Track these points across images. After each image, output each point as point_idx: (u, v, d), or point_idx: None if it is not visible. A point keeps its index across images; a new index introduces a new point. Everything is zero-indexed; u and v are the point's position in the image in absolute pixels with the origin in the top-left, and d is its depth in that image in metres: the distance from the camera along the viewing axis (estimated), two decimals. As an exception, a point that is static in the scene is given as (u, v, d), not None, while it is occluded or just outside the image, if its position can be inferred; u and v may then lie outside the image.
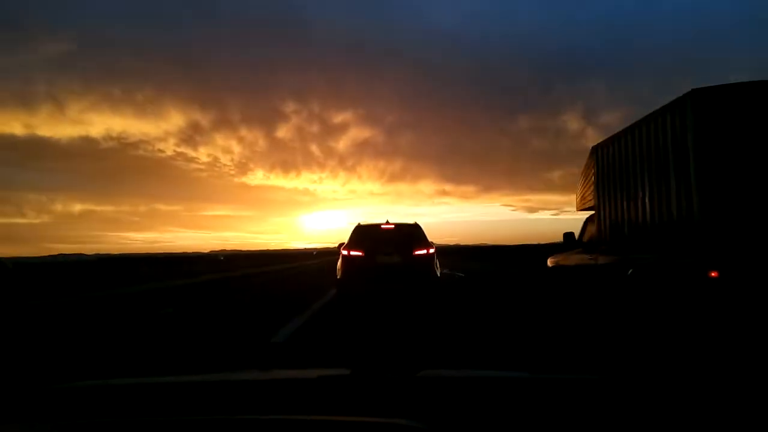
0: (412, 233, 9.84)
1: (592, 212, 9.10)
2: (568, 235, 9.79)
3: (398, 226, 10.08)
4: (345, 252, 9.61)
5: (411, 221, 10.41)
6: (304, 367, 2.98)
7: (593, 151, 8.78)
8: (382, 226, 10.02)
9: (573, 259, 9.70)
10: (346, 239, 9.95)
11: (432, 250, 9.62)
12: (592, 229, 8.97)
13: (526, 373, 1.77)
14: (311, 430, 1.01)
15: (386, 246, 9.52)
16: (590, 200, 9.18)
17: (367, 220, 10.45)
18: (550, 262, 11.17)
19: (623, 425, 1.12)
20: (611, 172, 8.03)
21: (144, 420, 1.11)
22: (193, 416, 1.14)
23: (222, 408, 1.23)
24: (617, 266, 7.49)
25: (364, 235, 9.81)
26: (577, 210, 10.77)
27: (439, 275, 9.78)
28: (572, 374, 1.89)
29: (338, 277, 9.74)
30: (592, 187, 8.97)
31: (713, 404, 1.19)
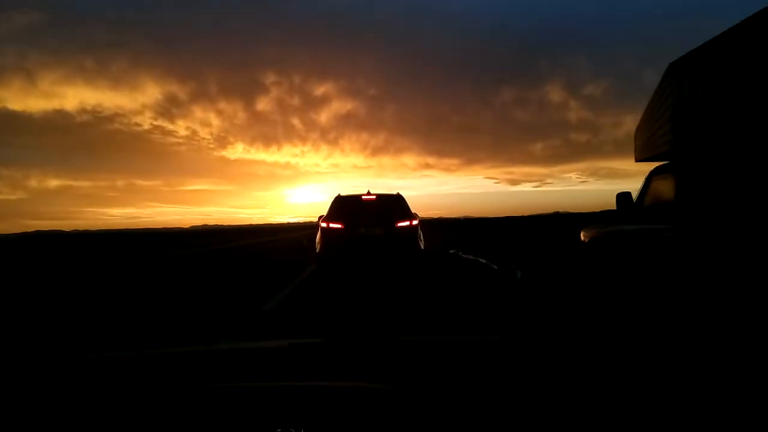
0: (394, 204, 9.40)
1: (663, 162, 6.17)
2: (624, 198, 6.28)
3: (380, 197, 9.62)
4: (324, 224, 9.14)
5: (393, 192, 9.93)
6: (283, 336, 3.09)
7: (672, 71, 5.94)
8: (363, 197, 9.55)
9: (631, 232, 6.27)
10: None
11: (415, 222, 9.19)
12: (663, 187, 5.92)
13: (497, 337, 1.82)
14: (278, 396, 1.02)
15: (367, 218, 9.06)
16: (663, 144, 6.32)
17: (349, 191, 9.94)
18: (585, 236, 7.60)
19: (598, 385, 1.13)
20: (711, 96, 5.06)
21: (125, 391, 1.14)
22: (168, 386, 1.16)
23: (200, 378, 1.27)
24: (724, 248, 4.40)
25: (344, 206, 9.33)
26: (637, 160, 7.65)
27: (423, 248, 9.35)
28: (541, 336, 1.91)
29: (317, 250, 9.26)
30: (667, 125, 6.22)
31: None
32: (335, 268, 9.00)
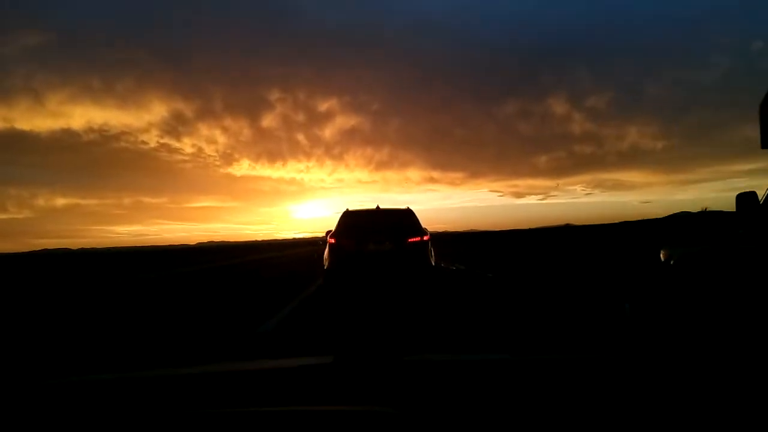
0: (404, 219, 8.98)
1: None
2: (746, 199, 4.54)
3: (389, 211, 9.31)
4: (332, 240, 8.66)
5: (403, 207, 9.50)
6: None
7: None
8: (372, 212, 9.22)
9: (744, 250, 4.70)
10: (334, 227, 9.17)
11: (426, 238, 8.69)
12: None
13: (507, 356, 1.71)
14: (276, 422, 1.02)
15: (377, 233, 8.58)
16: None
17: (356, 206, 9.47)
18: (670, 255, 5.61)
19: (603, 406, 1.11)
20: None
21: (126, 415, 1.12)
22: (174, 410, 1.14)
23: (204, 401, 1.25)
24: None
25: (352, 221, 8.95)
26: (765, 146, 5.49)
27: (434, 264, 8.79)
28: (552, 355, 1.90)
29: (325, 267, 8.73)
30: None
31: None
32: (344, 285, 8.52)
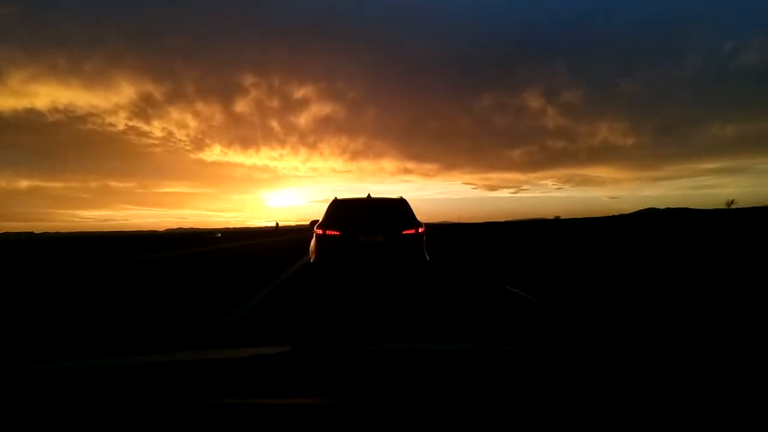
0: (398, 210, 8.43)
1: None
2: None
3: (381, 201, 8.69)
4: (320, 231, 8.06)
5: (395, 196, 8.94)
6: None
7: None
8: (363, 202, 8.60)
9: None
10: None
11: (422, 230, 8.21)
12: None
13: (468, 345, 1.73)
14: (230, 414, 0.99)
15: (369, 224, 8.04)
16: None
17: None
18: None
19: (565, 398, 1.11)
20: None
21: (82, 404, 1.10)
22: (118, 401, 1.13)
23: (155, 391, 1.21)
24: None
25: (342, 211, 8.35)
26: None
27: (428, 258, 8.32)
28: (512, 345, 1.89)
29: (311, 260, 8.22)
30: None
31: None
32: (331, 278, 7.99)
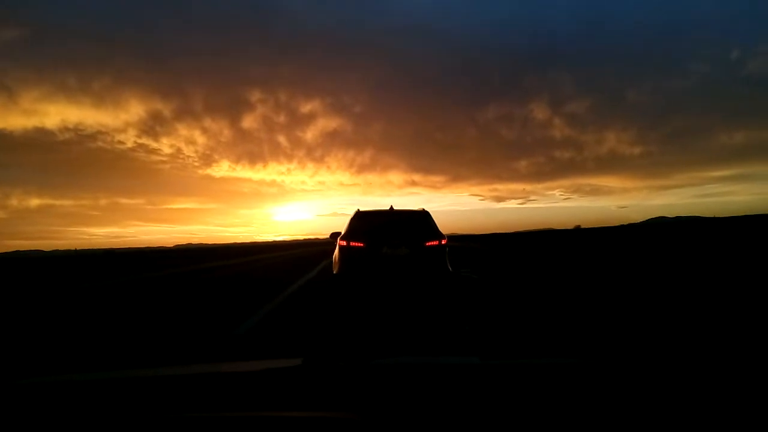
0: (421, 221, 8.47)
1: None
2: None
3: (404, 213, 8.80)
4: (343, 243, 8.10)
5: (418, 208, 8.98)
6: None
7: None
8: (386, 213, 8.69)
9: None
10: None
11: (444, 242, 8.23)
12: None
13: (476, 360, 1.71)
14: (241, 428, 0.99)
15: (392, 236, 8.08)
16: None
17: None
18: None
19: (569, 410, 1.10)
20: None
21: (95, 418, 1.10)
22: (132, 413, 1.12)
23: (167, 404, 1.21)
24: None
25: (365, 223, 8.38)
26: None
27: (451, 269, 8.33)
28: (521, 359, 1.88)
29: (335, 272, 8.27)
30: None
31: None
32: (356, 290, 8.03)
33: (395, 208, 8.89)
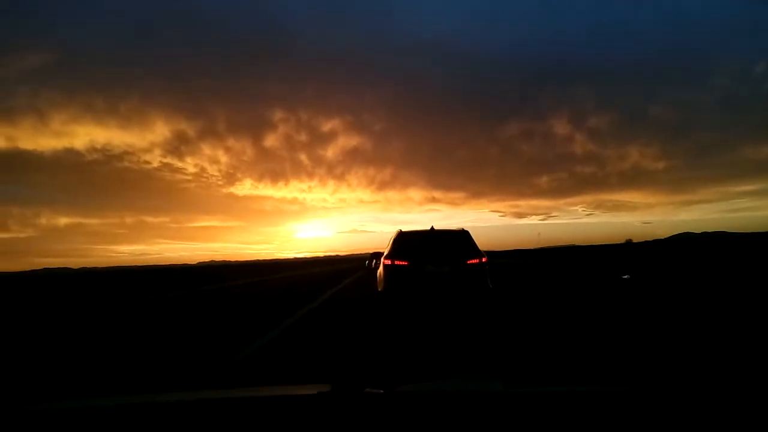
0: (461, 241, 8.74)
1: None
2: None
3: (445, 233, 9.11)
4: (388, 261, 8.39)
5: (457, 227, 9.29)
6: None
7: None
8: (427, 233, 8.99)
9: None
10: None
11: (485, 260, 8.46)
12: None
13: (499, 386, 1.72)
14: None
15: (434, 254, 8.35)
16: None
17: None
18: None
19: None
20: None
21: None
22: None
23: (194, 429, 1.21)
24: None
25: (407, 242, 8.69)
26: None
27: (491, 286, 8.53)
28: (544, 387, 1.86)
29: (380, 289, 8.55)
30: None
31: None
32: (400, 306, 8.29)
33: (445, 228, 9.16)
